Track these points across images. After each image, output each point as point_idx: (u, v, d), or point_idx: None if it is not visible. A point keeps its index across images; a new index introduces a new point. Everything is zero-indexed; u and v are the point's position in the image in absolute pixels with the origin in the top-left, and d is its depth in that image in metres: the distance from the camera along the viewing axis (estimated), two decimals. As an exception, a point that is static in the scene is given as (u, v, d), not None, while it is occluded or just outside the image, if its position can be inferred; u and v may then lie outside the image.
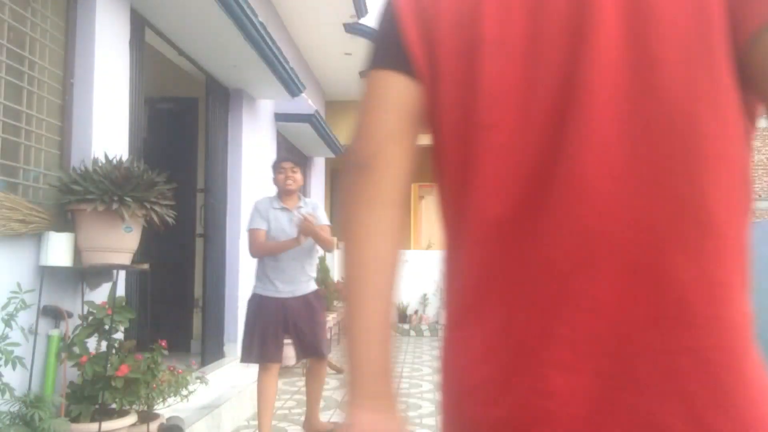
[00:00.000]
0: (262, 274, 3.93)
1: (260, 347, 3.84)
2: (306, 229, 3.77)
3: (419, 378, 6.41)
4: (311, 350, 3.97)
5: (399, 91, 0.82)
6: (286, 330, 3.89)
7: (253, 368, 5.60)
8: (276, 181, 4.02)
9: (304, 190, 8.64)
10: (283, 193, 4.00)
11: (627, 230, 0.70)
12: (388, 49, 0.84)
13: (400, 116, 0.81)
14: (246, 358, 3.96)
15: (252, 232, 3.90)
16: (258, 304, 3.92)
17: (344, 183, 0.83)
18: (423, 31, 0.81)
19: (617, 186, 0.70)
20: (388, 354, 0.78)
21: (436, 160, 0.85)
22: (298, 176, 4.01)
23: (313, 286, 4.05)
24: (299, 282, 3.93)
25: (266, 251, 3.88)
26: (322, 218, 4.02)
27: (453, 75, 0.79)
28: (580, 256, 0.71)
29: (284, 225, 3.89)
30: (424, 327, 9.82)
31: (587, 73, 0.72)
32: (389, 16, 0.85)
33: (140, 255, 3.11)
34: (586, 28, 0.72)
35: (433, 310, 10.01)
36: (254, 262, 4.04)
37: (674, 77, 0.70)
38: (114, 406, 2.83)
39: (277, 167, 4.05)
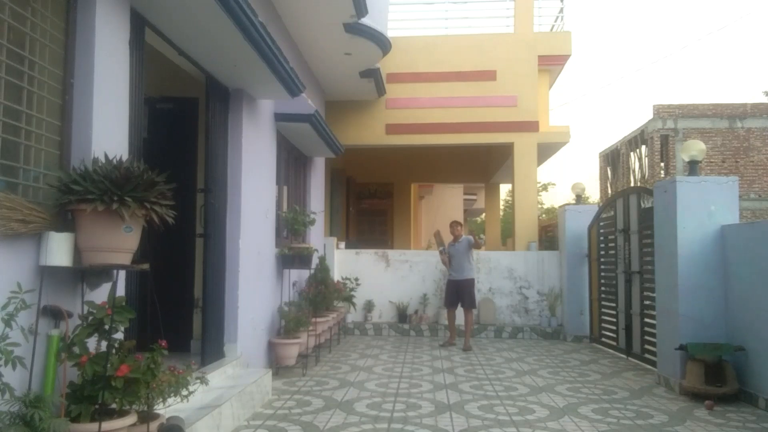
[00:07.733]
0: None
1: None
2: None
3: (419, 378, 6.41)
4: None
5: None
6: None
7: (253, 368, 5.60)
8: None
9: (303, 191, 8.67)
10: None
11: None
12: None
13: None
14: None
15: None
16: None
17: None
18: None
19: None
20: None
21: None
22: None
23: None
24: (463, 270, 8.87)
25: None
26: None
27: None
28: None
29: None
30: (424, 327, 9.82)
31: None
32: None
33: (140, 255, 3.11)
34: None
35: (433, 310, 10.01)
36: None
37: None
38: (114, 406, 2.83)
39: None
